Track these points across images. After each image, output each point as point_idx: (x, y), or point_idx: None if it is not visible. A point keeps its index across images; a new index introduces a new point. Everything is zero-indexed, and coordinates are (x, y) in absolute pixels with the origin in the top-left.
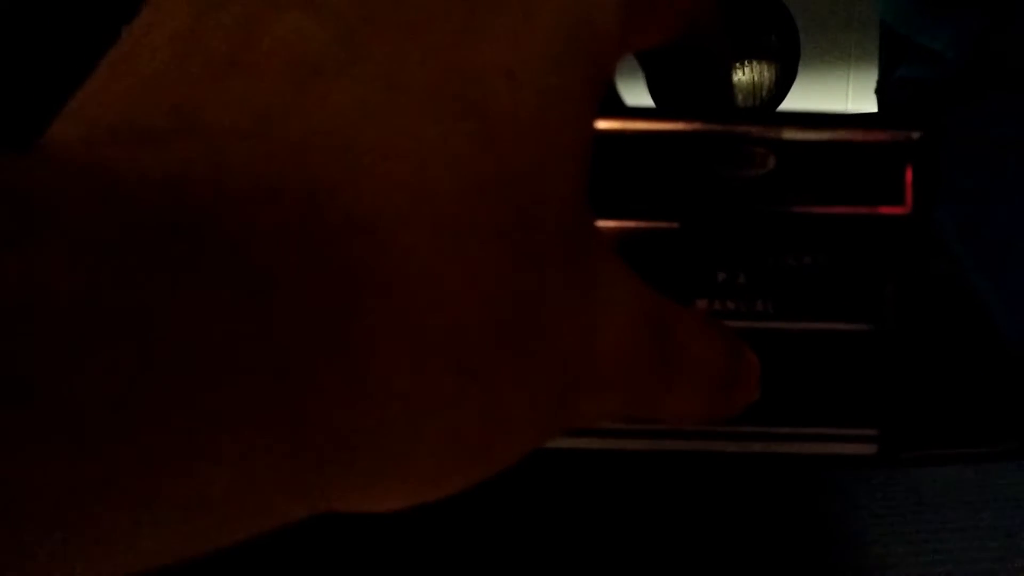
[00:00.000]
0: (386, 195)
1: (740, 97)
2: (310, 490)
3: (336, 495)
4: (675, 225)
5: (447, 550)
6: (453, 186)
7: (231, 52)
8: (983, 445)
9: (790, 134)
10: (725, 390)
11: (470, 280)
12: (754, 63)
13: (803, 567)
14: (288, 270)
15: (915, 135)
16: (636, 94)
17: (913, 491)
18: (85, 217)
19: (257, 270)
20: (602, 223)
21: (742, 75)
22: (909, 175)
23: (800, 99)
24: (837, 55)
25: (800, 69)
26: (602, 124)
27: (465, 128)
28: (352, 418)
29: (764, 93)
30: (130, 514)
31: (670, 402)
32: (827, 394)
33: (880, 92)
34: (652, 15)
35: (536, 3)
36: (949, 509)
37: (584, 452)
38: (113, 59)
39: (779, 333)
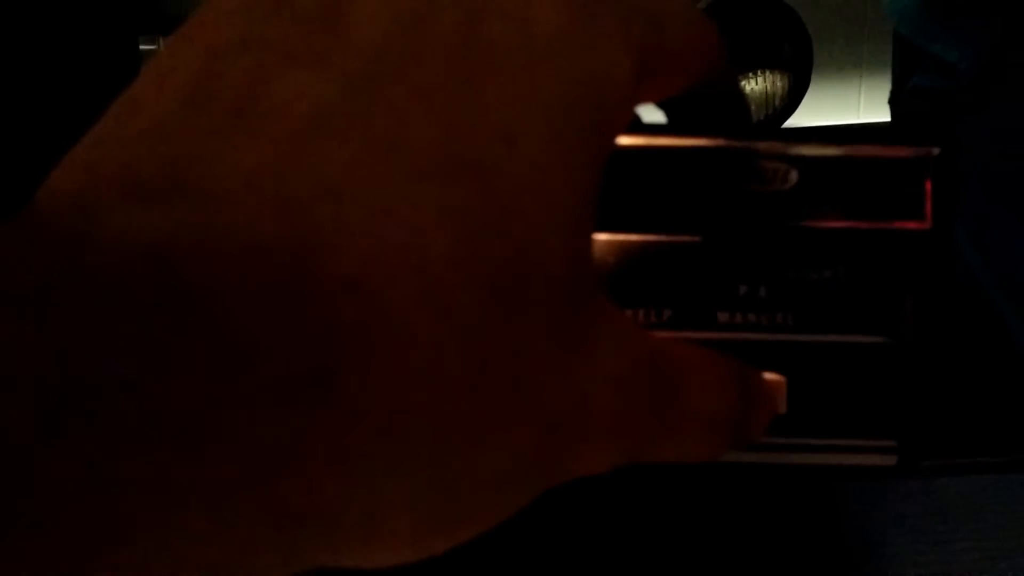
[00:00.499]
0: (376, 255)
1: (753, 107)
2: (294, 551)
3: (323, 554)
4: (697, 239)
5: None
6: (442, 245)
7: (236, 106)
8: (1000, 455)
9: (811, 150)
10: (735, 422)
11: (458, 342)
12: (767, 73)
13: (813, 572)
14: (271, 335)
15: (935, 151)
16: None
17: (931, 500)
18: (57, 294)
19: (240, 338)
20: (626, 237)
21: (755, 85)
22: (929, 190)
23: (812, 109)
24: (849, 65)
25: (812, 79)
26: (627, 140)
27: (461, 191)
28: (335, 482)
29: (777, 102)
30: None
31: (675, 445)
32: (847, 406)
33: (893, 102)
34: (664, 70)
35: (536, 67)
36: (966, 518)
37: None
38: (121, 105)
39: (799, 346)
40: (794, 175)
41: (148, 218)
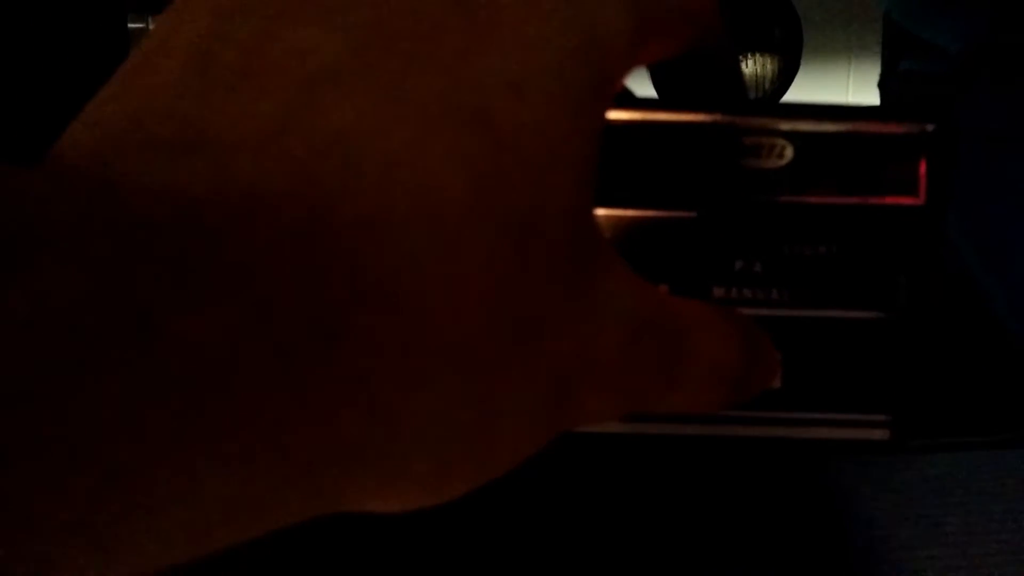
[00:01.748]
0: (388, 201)
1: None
2: (319, 491)
3: (345, 497)
4: (693, 214)
5: (459, 532)
6: (455, 190)
7: (243, 64)
8: (993, 432)
9: (807, 126)
10: (739, 377)
11: (473, 284)
12: (757, 56)
13: (814, 550)
14: (289, 280)
15: (930, 127)
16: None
17: (923, 477)
18: (92, 236)
19: (261, 281)
20: (622, 212)
21: (745, 67)
22: (923, 167)
23: (802, 91)
24: (839, 48)
25: (802, 62)
26: (622, 115)
27: (470, 138)
28: (357, 422)
29: (767, 85)
30: (133, 518)
31: (677, 399)
32: (841, 380)
33: (883, 85)
34: (661, 30)
35: (540, 20)
36: (958, 495)
37: (597, 436)
38: (131, 66)
39: (794, 320)
40: (789, 151)
41: (168, 169)
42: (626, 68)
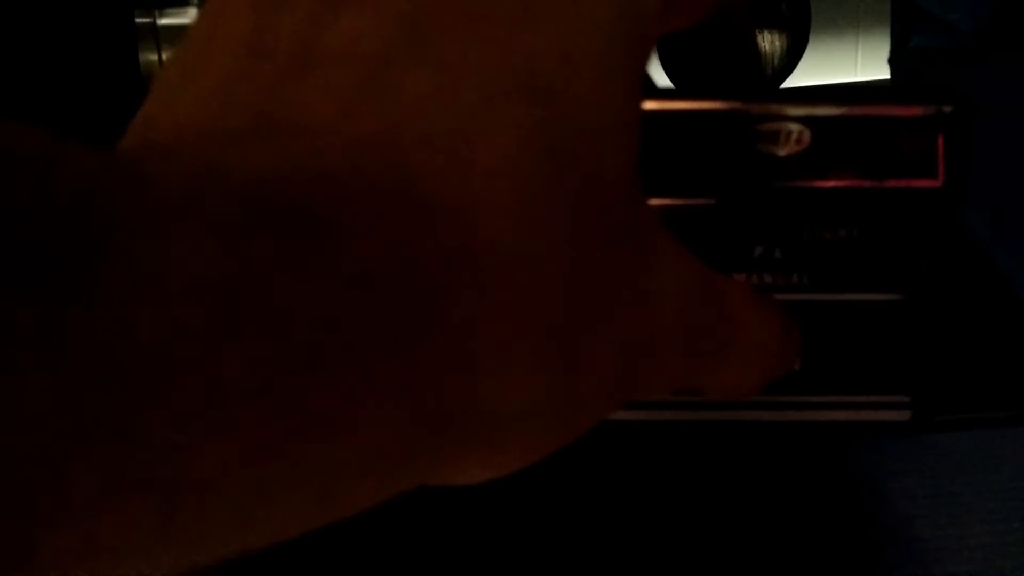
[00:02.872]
0: (468, 178)
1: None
2: (422, 459)
3: (442, 465)
4: (712, 202)
5: (481, 519)
6: (527, 166)
7: (300, 52)
8: (1012, 410)
9: (824, 110)
10: (775, 360)
11: (552, 255)
12: (764, 33)
13: (838, 531)
14: (387, 257)
15: (947, 109)
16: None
17: (942, 455)
18: (214, 208)
19: (361, 258)
20: None
21: None
22: (941, 148)
23: (810, 68)
24: (846, 23)
25: (810, 38)
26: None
27: (531, 110)
28: (456, 392)
29: (776, 62)
30: (267, 487)
31: (726, 374)
32: (861, 363)
33: (893, 62)
34: (685, 3)
35: None
36: (977, 472)
37: (619, 424)
38: (178, 66)
39: (815, 304)
40: (807, 136)
41: (254, 154)
42: (657, 32)
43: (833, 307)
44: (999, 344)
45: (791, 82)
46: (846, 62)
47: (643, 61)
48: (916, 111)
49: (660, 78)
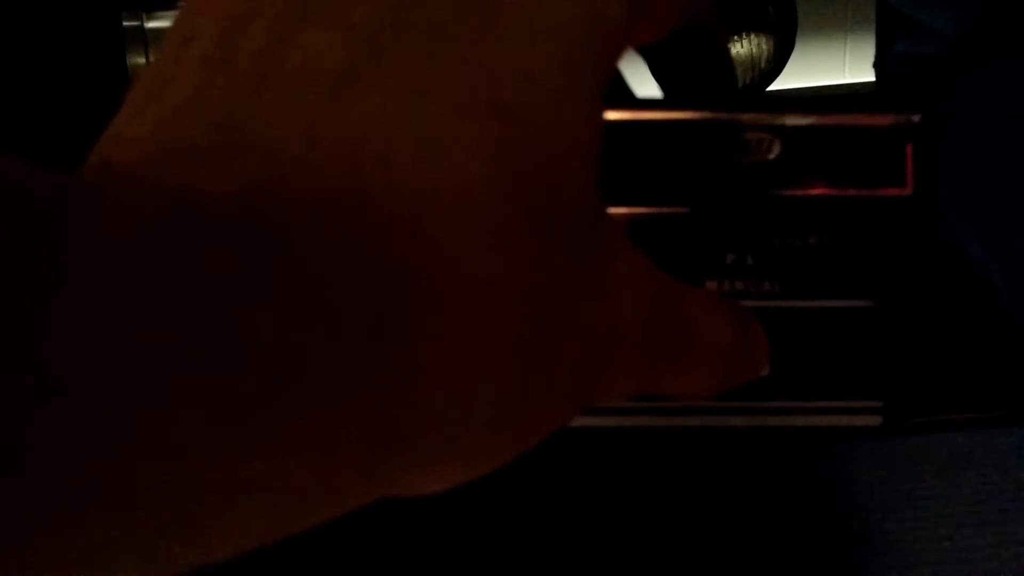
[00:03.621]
0: (424, 196)
1: (739, 70)
2: (379, 473)
3: (400, 478)
4: (685, 210)
5: (462, 527)
6: (484, 183)
7: (264, 69)
8: (983, 412)
9: (794, 120)
10: (734, 364)
11: (508, 272)
12: (751, 36)
13: (813, 536)
14: (346, 276)
15: (915, 118)
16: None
17: (914, 458)
18: (171, 235)
19: (321, 279)
20: (615, 210)
21: (740, 48)
22: (910, 157)
23: (798, 71)
24: (834, 26)
25: (797, 40)
26: (614, 115)
27: (490, 128)
28: (413, 406)
29: (763, 65)
30: (221, 502)
31: (682, 377)
32: (833, 368)
33: (878, 67)
34: (652, 10)
35: (543, 9)
36: (948, 474)
37: (595, 430)
38: (146, 84)
39: (786, 311)
40: (777, 145)
41: (213, 173)
42: (623, 47)
43: (804, 314)
44: (969, 349)
45: (778, 85)
46: (834, 65)
47: (605, 76)
48: (885, 120)
49: (641, 87)
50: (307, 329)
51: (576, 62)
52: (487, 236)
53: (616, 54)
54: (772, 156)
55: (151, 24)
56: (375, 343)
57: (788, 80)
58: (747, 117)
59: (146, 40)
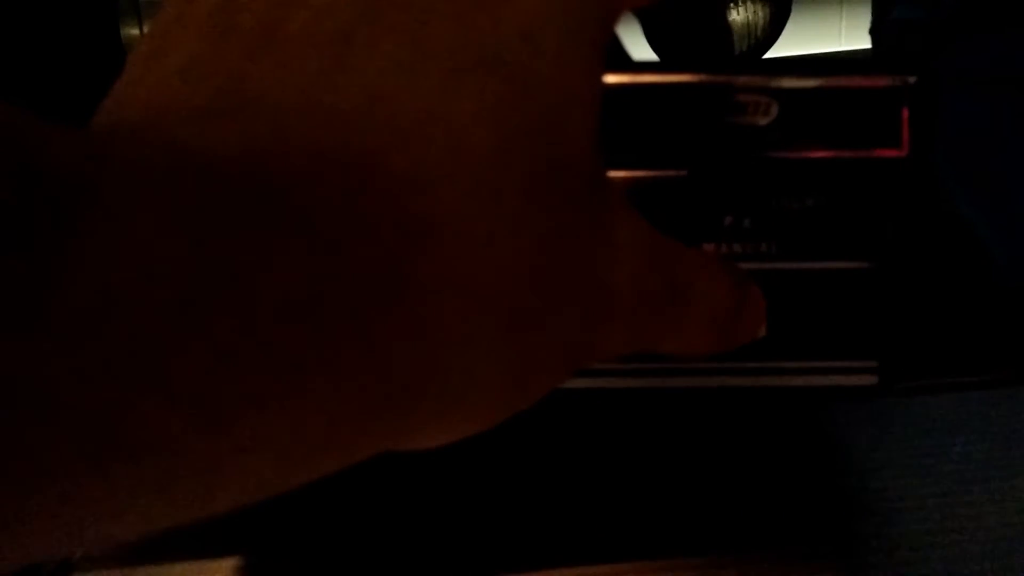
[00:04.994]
0: (427, 154)
1: (735, 37)
2: (382, 425)
3: (401, 431)
4: (683, 173)
5: (458, 489)
6: (485, 141)
7: (266, 30)
8: (977, 374)
9: (790, 82)
10: (730, 323)
11: (509, 227)
12: (748, 3)
13: (807, 497)
14: (351, 231)
15: (911, 79)
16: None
17: (909, 420)
18: (178, 188)
19: (328, 234)
20: (614, 173)
21: (736, 15)
22: (906, 118)
23: (793, 38)
24: None
25: (793, 8)
26: (612, 78)
27: (490, 87)
28: (415, 360)
29: (759, 32)
30: (223, 453)
31: (677, 337)
32: (829, 329)
33: (875, 33)
34: None
35: None
36: (943, 435)
37: (592, 391)
38: (149, 46)
39: (783, 273)
40: (775, 108)
41: (218, 131)
42: (620, 12)
43: (801, 275)
44: (964, 309)
45: (774, 52)
46: (830, 32)
47: (604, 37)
48: (881, 82)
49: (639, 51)
50: (313, 283)
51: (575, 23)
52: (490, 192)
53: (615, 15)
54: (769, 119)
55: None
56: (381, 297)
57: (784, 47)
58: (744, 80)
59: (139, 11)
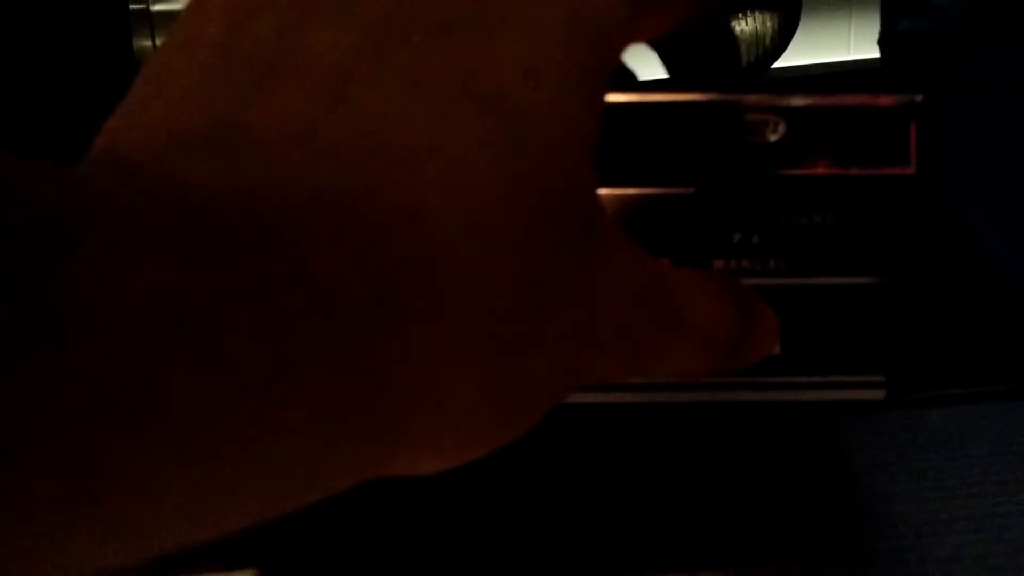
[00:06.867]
0: (421, 191)
1: (743, 48)
2: (375, 451)
3: (395, 457)
4: (692, 190)
5: (469, 502)
6: (483, 179)
7: (269, 62)
8: (985, 388)
9: (799, 100)
10: (731, 345)
11: (501, 264)
12: (756, 13)
13: (816, 507)
14: (342, 268)
15: (918, 98)
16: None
17: (917, 432)
18: (170, 228)
19: (316, 272)
20: (624, 190)
21: (744, 26)
22: (913, 136)
23: (803, 48)
24: (838, 3)
25: (802, 18)
26: (622, 97)
27: (488, 124)
28: (407, 389)
29: (767, 43)
30: (213, 488)
31: (672, 362)
32: (838, 344)
33: (883, 44)
34: (656, 13)
35: (548, 8)
36: (951, 448)
37: (602, 406)
38: (153, 71)
39: (792, 289)
40: (783, 126)
41: (212, 165)
42: (624, 44)
43: (809, 290)
44: (972, 325)
45: (783, 63)
46: (838, 42)
47: (606, 72)
48: (888, 100)
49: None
50: (300, 321)
51: (576, 60)
52: (485, 229)
53: (618, 50)
54: (777, 136)
55: (157, 7)
56: (370, 330)
57: (793, 58)
58: (752, 98)
59: (152, 23)
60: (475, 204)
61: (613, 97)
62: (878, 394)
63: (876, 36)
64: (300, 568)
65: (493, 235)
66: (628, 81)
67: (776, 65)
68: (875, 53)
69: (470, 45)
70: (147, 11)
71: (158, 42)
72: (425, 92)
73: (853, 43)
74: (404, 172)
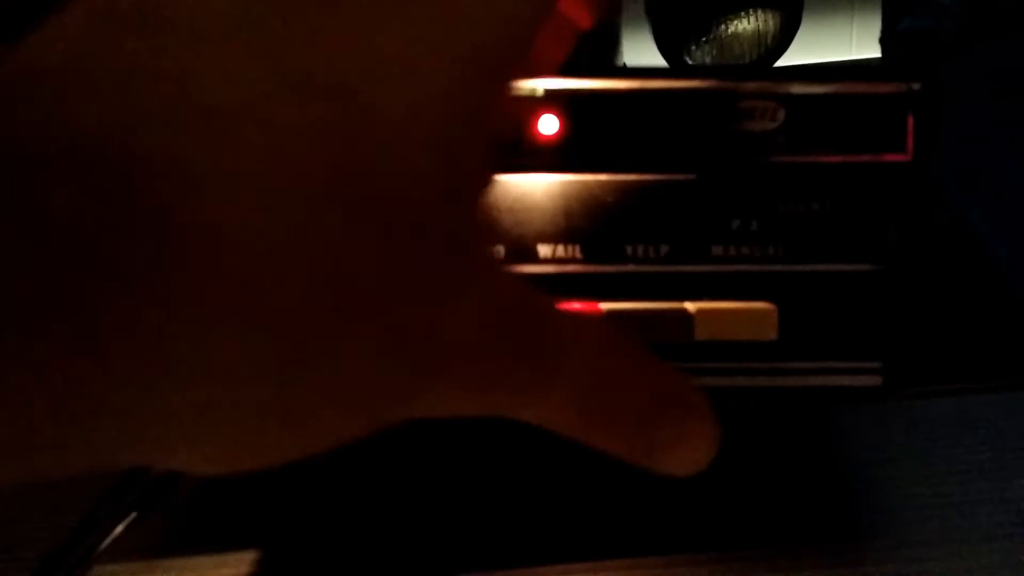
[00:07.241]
0: (230, 160)
1: (745, 46)
2: (116, 447)
3: (158, 453)
4: (692, 177)
5: (462, 486)
6: (301, 158)
7: (139, 9)
8: (981, 378)
9: (797, 88)
10: (638, 424)
11: (305, 254)
12: (758, 12)
13: (813, 495)
14: (114, 226)
15: (916, 86)
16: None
17: (911, 423)
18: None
19: (68, 217)
20: (624, 176)
21: (746, 24)
22: (910, 124)
23: (804, 47)
24: (840, 2)
25: (804, 17)
26: (623, 84)
27: (325, 107)
28: (161, 385)
29: (769, 41)
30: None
31: (539, 411)
32: (835, 330)
33: (884, 42)
34: (563, 19)
35: (441, 9)
36: (947, 435)
37: None
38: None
39: (790, 275)
40: (782, 113)
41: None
42: (527, 50)
43: (807, 277)
44: (969, 312)
45: (785, 61)
46: (841, 41)
47: (500, 85)
48: (886, 88)
49: (651, 57)
50: (53, 272)
51: (459, 65)
52: (288, 211)
53: (518, 58)
54: (776, 124)
55: None
56: (129, 291)
57: (795, 56)
58: (752, 86)
59: None
60: (284, 186)
61: (617, 84)
62: (874, 381)
63: (878, 35)
64: (301, 550)
65: (297, 221)
66: (630, 68)
67: (777, 64)
68: (877, 52)
69: (322, 32)
70: None
71: None
72: (271, 69)
73: (856, 42)
74: (216, 138)
